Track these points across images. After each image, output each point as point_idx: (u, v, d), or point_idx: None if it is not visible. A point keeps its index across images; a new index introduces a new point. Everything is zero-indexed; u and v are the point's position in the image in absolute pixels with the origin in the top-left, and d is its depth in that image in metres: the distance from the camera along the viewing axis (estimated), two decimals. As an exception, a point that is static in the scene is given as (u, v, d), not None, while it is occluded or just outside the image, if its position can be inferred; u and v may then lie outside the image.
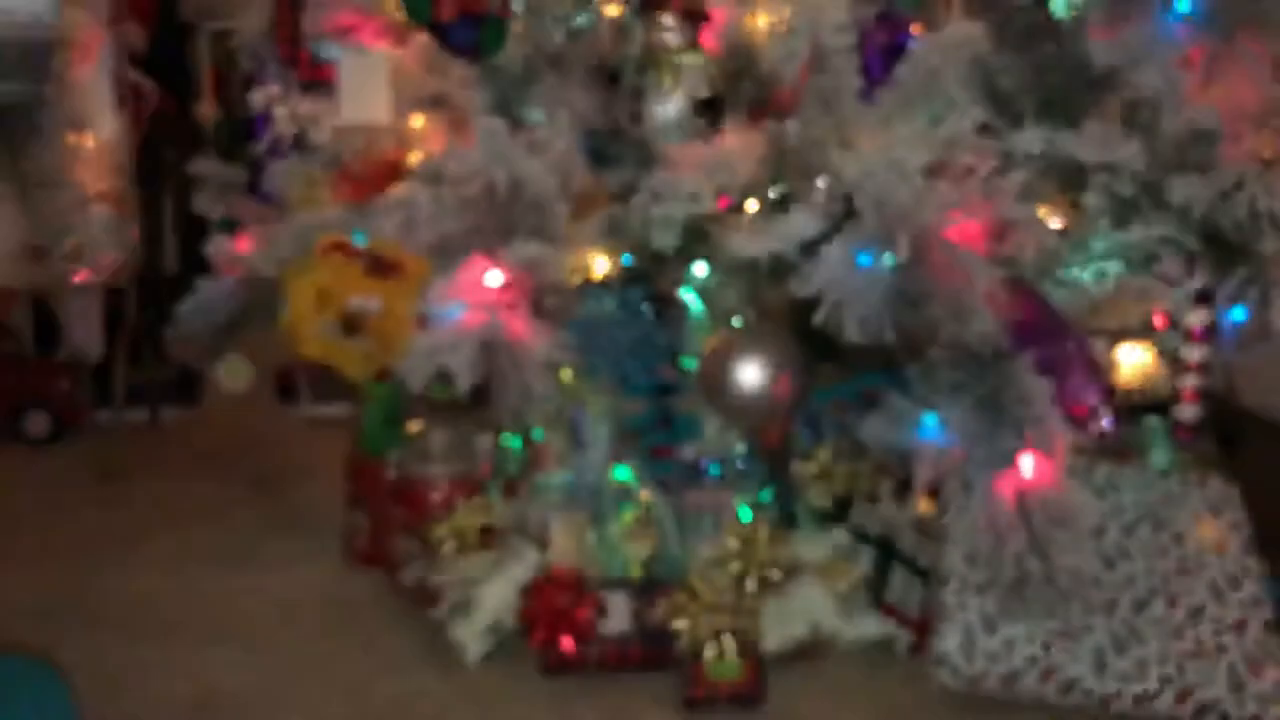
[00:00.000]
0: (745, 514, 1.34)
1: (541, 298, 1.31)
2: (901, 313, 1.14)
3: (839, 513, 1.36)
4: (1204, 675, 1.13)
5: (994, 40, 1.28)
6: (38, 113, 1.78)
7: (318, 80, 1.49)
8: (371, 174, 1.42)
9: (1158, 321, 1.30)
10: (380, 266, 1.31)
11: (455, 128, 1.45)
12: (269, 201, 1.59)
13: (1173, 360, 1.40)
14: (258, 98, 1.49)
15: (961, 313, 1.12)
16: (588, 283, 1.41)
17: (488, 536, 1.30)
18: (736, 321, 1.32)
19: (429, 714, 1.15)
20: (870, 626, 1.28)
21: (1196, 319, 1.33)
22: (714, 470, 1.40)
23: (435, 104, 1.45)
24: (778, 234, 1.25)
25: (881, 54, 1.28)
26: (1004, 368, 1.21)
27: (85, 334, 1.95)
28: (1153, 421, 1.41)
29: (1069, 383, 1.20)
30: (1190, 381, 1.36)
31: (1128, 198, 1.26)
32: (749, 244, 1.26)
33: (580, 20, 1.51)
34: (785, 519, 1.40)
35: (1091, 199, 1.25)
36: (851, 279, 1.13)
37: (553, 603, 1.20)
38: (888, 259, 1.10)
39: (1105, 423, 1.20)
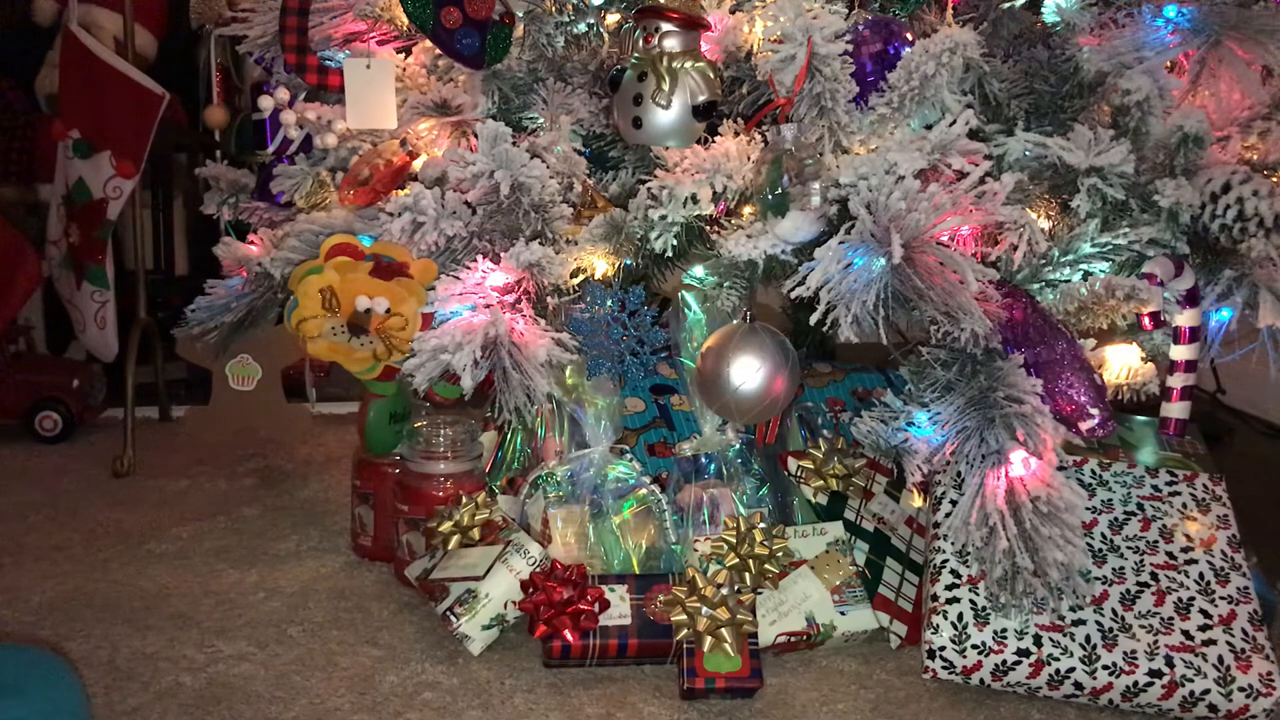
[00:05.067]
0: (741, 509, 1.36)
1: (544, 298, 1.33)
2: (895, 313, 1.16)
3: (833, 508, 1.38)
4: (1192, 668, 1.15)
5: (985, 46, 1.30)
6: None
7: (325, 86, 1.51)
8: (377, 178, 1.43)
9: (1146, 322, 1.31)
10: (386, 268, 1.33)
11: (459, 132, 1.47)
12: (277, 204, 1.61)
13: (1160, 360, 1.42)
14: (265, 103, 1.50)
15: (953, 313, 1.14)
16: (588, 283, 1.44)
17: (490, 532, 1.32)
18: (734, 322, 1.34)
19: (433, 704, 1.16)
20: (864, 619, 1.29)
21: (1184, 319, 1.34)
22: (711, 467, 1.42)
23: (440, 109, 1.47)
24: (774, 236, 1.27)
25: (874, 60, 1.30)
26: (995, 367, 1.23)
27: (99, 334, 1.96)
28: (1141, 420, 1.43)
29: (1060, 382, 1.22)
30: (1178, 381, 1.38)
31: (1117, 200, 1.28)
32: (746, 246, 1.28)
33: (581, 27, 1.53)
34: (780, 514, 1.42)
35: (1081, 202, 1.27)
36: (846, 280, 1.15)
37: (554, 596, 1.22)
38: (881, 261, 1.12)
39: (1097, 422, 1.22)
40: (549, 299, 1.34)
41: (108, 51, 1.93)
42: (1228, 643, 1.16)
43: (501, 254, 1.30)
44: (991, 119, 1.38)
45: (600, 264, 1.43)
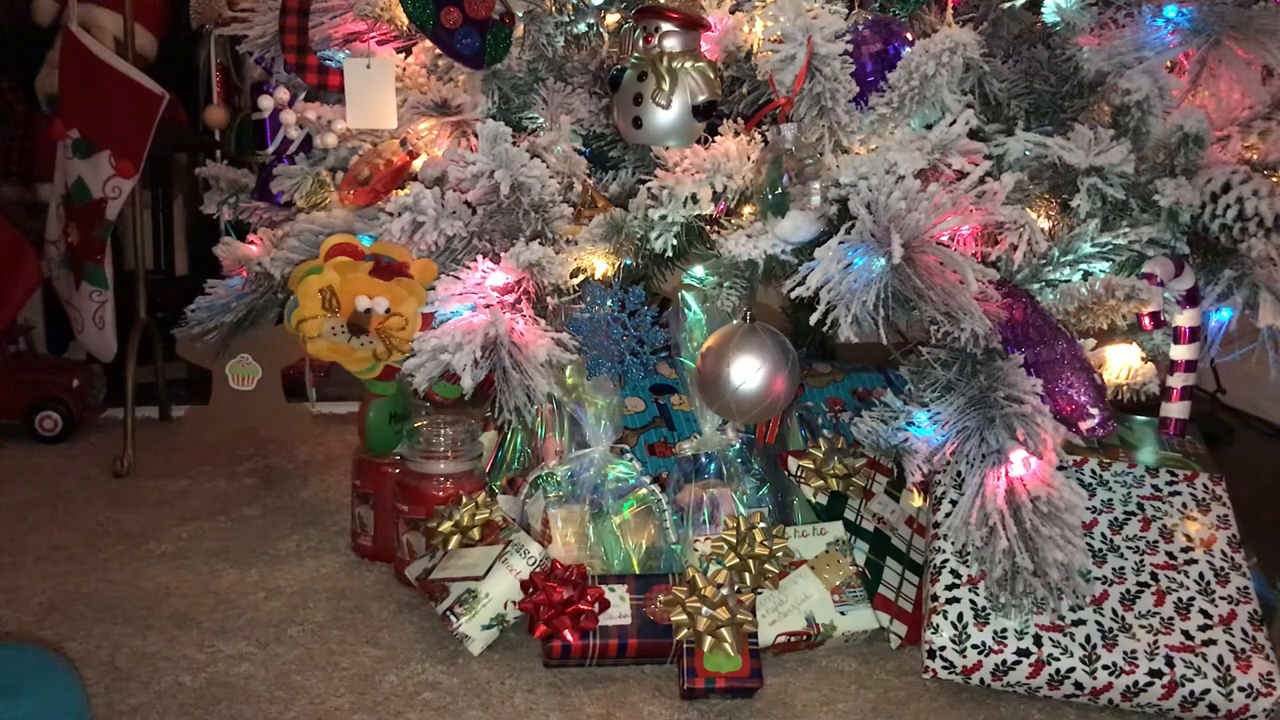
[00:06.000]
0: (741, 509, 1.36)
1: (544, 298, 1.33)
2: (895, 313, 1.16)
3: (833, 508, 1.38)
4: (1192, 668, 1.15)
5: (985, 46, 1.30)
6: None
7: (325, 86, 1.51)
8: (378, 178, 1.43)
9: (1146, 322, 1.31)
10: (386, 268, 1.33)
11: (459, 132, 1.47)
12: (277, 204, 1.61)
13: (1160, 360, 1.42)
14: (265, 103, 1.50)
15: (953, 313, 1.14)
16: (588, 283, 1.44)
17: (490, 532, 1.32)
18: (734, 322, 1.34)
19: (433, 704, 1.16)
20: (864, 619, 1.29)
21: (1184, 319, 1.34)
22: (711, 467, 1.42)
23: (440, 109, 1.47)
24: (774, 236, 1.27)
25: (874, 60, 1.30)
26: (995, 367, 1.23)
27: (97, 334, 1.96)
28: (1141, 420, 1.43)
29: (1060, 382, 1.22)
30: (1178, 381, 1.38)
31: (1117, 200, 1.28)
32: (746, 246, 1.28)
33: (581, 27, 1.53)
34: (780, 514, 1.42)
35: (1081, 201, 1.27)
36: (846, 280, 1.14)
37: (554, 596, 1.22)
38: (881, 261, 1.12)
39: (1097, 422, 1.22)
40: (549, 299, 1.34)
41: (108, 51, 1.93)
42: (1228, 643, 1.16)
43: (501, 254, 1.30)
44: (991, 119, 1.38)
45: (600, 264, 1.43)
